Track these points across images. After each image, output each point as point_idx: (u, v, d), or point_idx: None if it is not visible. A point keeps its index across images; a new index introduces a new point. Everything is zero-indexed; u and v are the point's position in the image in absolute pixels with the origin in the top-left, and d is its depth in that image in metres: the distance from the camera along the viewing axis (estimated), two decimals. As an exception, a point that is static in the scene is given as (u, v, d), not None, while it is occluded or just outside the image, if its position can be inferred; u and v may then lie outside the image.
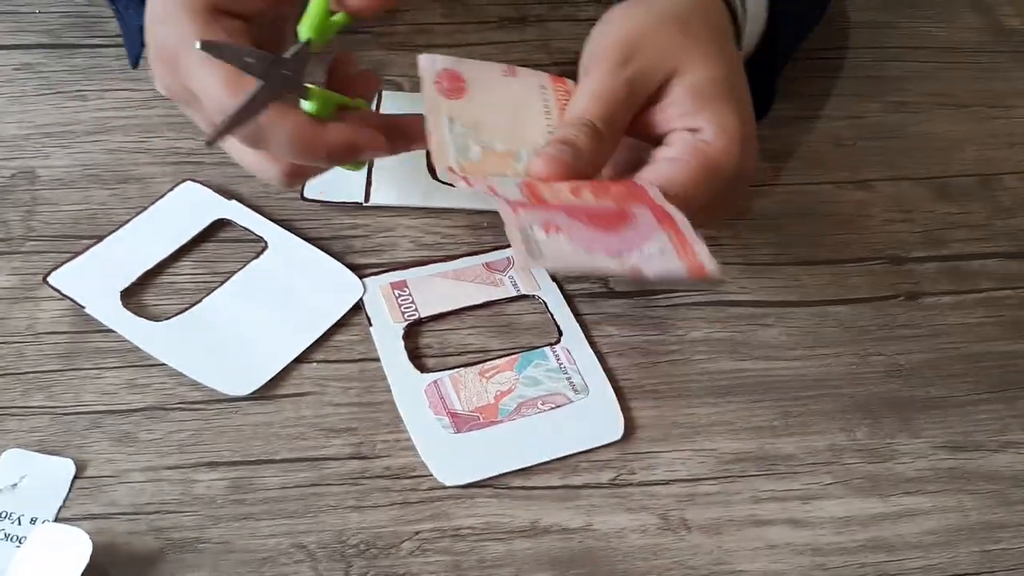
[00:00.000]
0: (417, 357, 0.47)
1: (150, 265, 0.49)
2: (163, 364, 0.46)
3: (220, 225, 0.51)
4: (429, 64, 0.43)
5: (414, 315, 0.48)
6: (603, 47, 0.43)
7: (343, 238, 0.51)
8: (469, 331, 0.48)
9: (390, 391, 0.45)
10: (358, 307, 0.48)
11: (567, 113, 0.42)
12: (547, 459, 0.43)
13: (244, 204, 0.52)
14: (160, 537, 0.40)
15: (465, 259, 0.51)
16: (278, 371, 0.46)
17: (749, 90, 0.45)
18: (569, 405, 0.45)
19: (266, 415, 0.44)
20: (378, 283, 0.49)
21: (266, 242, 0.50)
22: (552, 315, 0.49)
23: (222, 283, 0.49)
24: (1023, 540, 0.43)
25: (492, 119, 0.43)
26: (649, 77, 0.42)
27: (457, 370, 0.46)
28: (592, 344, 0.48)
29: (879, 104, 0.61)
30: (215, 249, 0.51)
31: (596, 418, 0.45)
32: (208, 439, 0.44)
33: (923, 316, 0.51)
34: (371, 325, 0.48)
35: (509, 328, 0.49)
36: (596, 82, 0.42)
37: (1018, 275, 0.53)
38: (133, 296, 0.48)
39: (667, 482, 0.44)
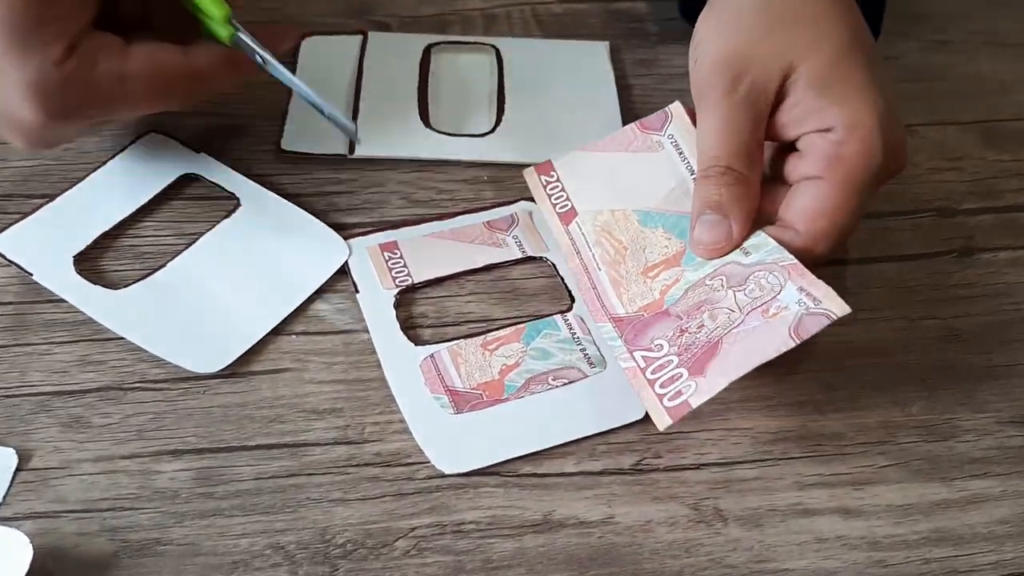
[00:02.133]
0: (411, 328, 0.41)
1: (108, 226, 0.43)
2: (121, 338, 0.40)
3: (187, 181, 0.46)
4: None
5: (406, 280, 0.42)
6: (706, 74, 0.40)
7: (326, 195, 0.46)
8: (469, 298, 0.43)
9: (380, 366, 0.40)
10: (343, 272, 0.43)
11: (698, 160, 0.40)
12: (560, 442, 0.38)
13: (214, 157, 0.46)
14: (114, 539, 0.35)
15: (463, 217, 0.45)
16: (252, 345, 0.40)
17: (872, 39, 0.42)
18: (584, 380, 0.39)
19: (238, 395, 0.39)
20: (365, 244, 0.44)
21: (239, 200, 0.45)
22: (562, 279, 0.43)
23: (189, 246, 0.43)
24: (1109, 529, 0.37)
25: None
26: (765, 87, 0.40)
27: (456, 342, 0.40)
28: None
29: (919, 43, 0.55)
30: (182, 207, 0.45)
31: (615, 395, 0.39)
32: (172, 424, 0.38)
33: (978, 274, 0.46)
34: (357, 292, 0.42)
35: (514, 294, 0.43)
36: (713, 117, 0.40)
37: (1084, 229, 0.48)
38: (88, 261, 0.42)
39: (698, 467, 0.38)
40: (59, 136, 0.42)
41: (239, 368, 0.40)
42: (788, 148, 0.41)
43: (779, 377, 0.41)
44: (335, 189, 0.46)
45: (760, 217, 0.40)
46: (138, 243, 0.44)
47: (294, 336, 0.41)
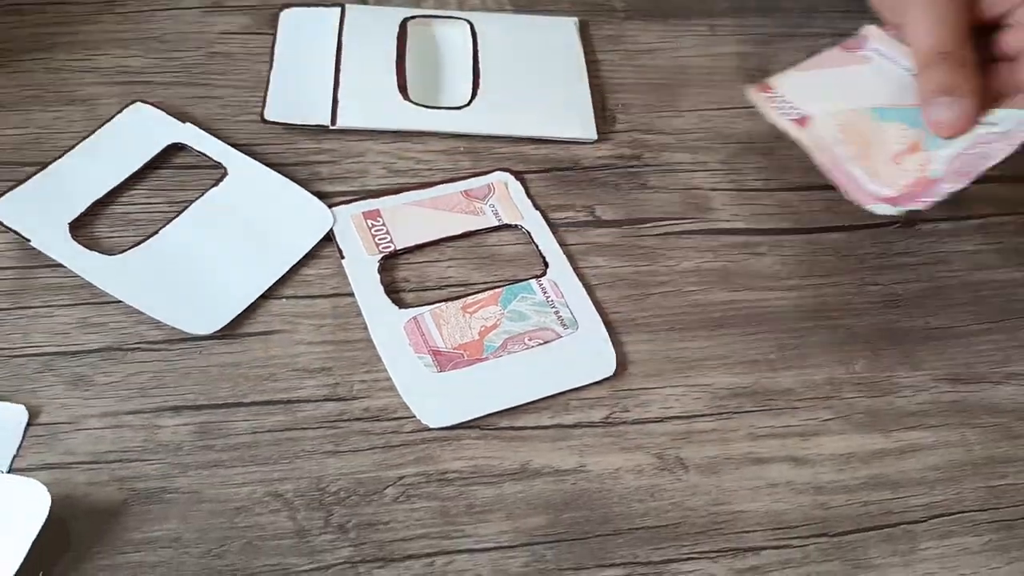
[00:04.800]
0: (394, 292, 0.44)
1: (100, 194, 0.45)
2: (119, 302, 0.42)
3: (174, 150, 0.47)
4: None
5: (389, 247, 0.45)
6: None
7: (308, 164, 0.48)
8: (449, 263, 0.45)
9: (366, 328, 0.43)
10: (328, 239, 0.45)
11: (915, 55, 0.42)
12: (536, 398, 0.41)
13: (200, 127, 0.48)
14: (123, 487, 0.38)
15: (442, 186, 0.48)
16: (244, 308, 0.43)
17: None
18: (558, 340, 0.43)
19: (233, 355, 0.41)
20: (349, 212, 0.46)
21: (225, 168, 0.47)
22: (537, 245, 0.46)
23: (179, 213, 0.45)
24: (1028, 474, 0.41)
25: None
26: None
27: (438, 305, 0.43)
28: (580, 276, 0.45)
29: (870, 20, 0.58)
30: (170, 176, 0.47)
31: (586, 354, 0.42)
32: (171, 381, 0.40)
33: (920, 243, 0.49)
34: (343, 258, 0.44)
35: (491, 260, 0.46)
36: (920, 9, 0.41)
37: (1018, 200, 0.51)
38: (83, 228, 0.44)
39: (662, 419, 0.42)
40: None
41: (233, 330, 0.42)
42: (995, 29, 0.43)
43: (736, 337, 0.44)
44: (317, 159, 0.48)
45: (988, 95, 0.42)
46: (130, 211, 0.46)
47: (284, 300, 0.43)
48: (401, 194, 0.47)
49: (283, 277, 0.44)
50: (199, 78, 0.50)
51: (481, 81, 0.51)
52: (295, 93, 0.50)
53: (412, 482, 0.39)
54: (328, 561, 0.37)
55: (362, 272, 0.44)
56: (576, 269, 0.45)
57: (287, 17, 0.53)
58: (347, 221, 0.46)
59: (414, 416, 0.40)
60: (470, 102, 0.50)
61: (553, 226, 0.47)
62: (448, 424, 0.40)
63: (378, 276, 0.44)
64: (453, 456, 0.40)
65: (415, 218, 0.46)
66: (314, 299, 0.44)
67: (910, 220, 0.50)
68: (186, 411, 0.40)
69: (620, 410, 0.42)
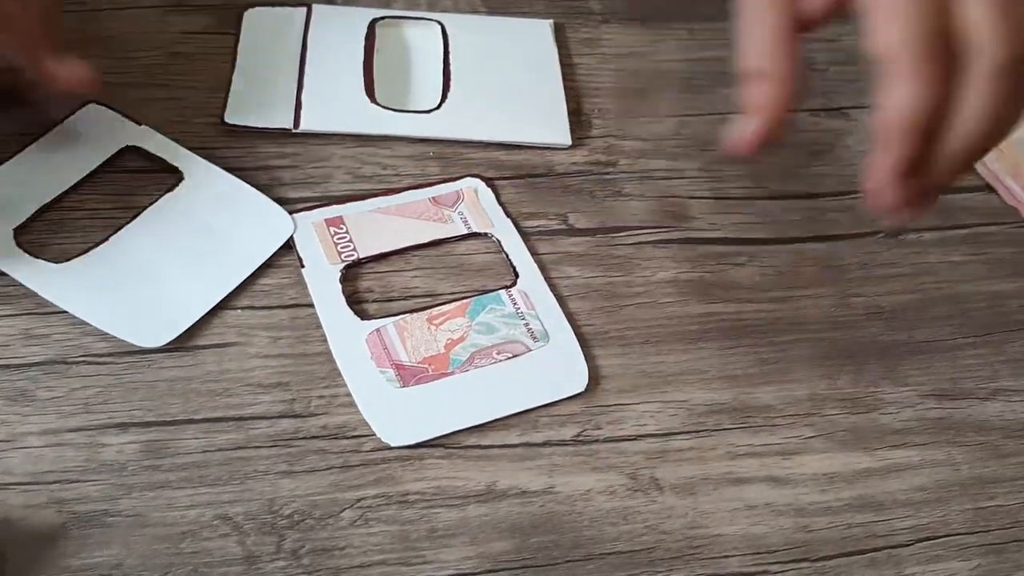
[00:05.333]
0: (356, 303, 0.42)
1: (48, 199, 0.43)
2: (64, 312, 0.40)
3: (129, 153, 0.45)
4: None
5: (352, 255, 0.43)
6: None
7: (269, 169, 0.46)
8: (414, 273, 0.43)
9: (326, 341, 0.40)
10: (287, 247, 0.43)
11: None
12: (504, 414, 0.39)
13: (157, 130, 0.46)
14: (63, 510, 0.35)
15: (408, 192, 0.46)
16: (197, 319, 0.40)
17: None
18: (527, 354, 0.41)
19: (184, 369, 0.39)
20: (311, 219, 0.44)
21: (182, 173, 0.45)
22: (507, 254, 0.44)
23: (131, 219, 0.43)
24: (1018, 496, 0.40)
25: None
26: None
27: (402, 316, 0.41)
28: (552, 287, 0.43)
29: (854, 27, 0.57)
30: (124, 180, 0.45)
31: (557, 368, 0.40)
32: (118, 397, 0.38)
33: (904, 254, 0.48)
34: (303, 267, 0.42)
35: (459, 270, 0.44)
36: None
37: (1003, 210, 0.50)
38: (28, 234, 0.42)
39: (636, 438, 0.40)
40: None
41: (184, 342, 0.40)
42: None
43: (714, 352, 0.42)
44: (279, 163, 0.46)
45: None
46: (80, 216, 0.43)
47: (239, 310, 0.41)
48: (366, 200, 0.45)
49: (239, 287, 0.42)
50: (159, 79, 0.48)
51: (452, 84, 0.49)
52: (257, 95, 0.48)
53: (371, 504, 0.37)
54: (279, 589, 0.34)
55: (323, 281, 0.42)
56: (548, 279, 0.43)
57: (251, 17, 0.51)
58: (308, 228, 0.44)
59: (374, 434, 0.38)
60: (439, 105, 0.49)
61: (524, 235, 0.45)
62: (410, 443, 0.38)
63: (340, 286, 0.42)
64: (415, 477, 0.37)
65: (380, 226, 0.44)
66: (271, 310, 0.41)
67: (895, 230, 0.48)
68: (132, 428, 0.37)
69: (592, 427, 0.40)
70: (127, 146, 0.45)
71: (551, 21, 0.54)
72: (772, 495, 0.39)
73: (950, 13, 0.33)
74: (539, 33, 0.53)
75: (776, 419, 0.41)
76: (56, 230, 0.43)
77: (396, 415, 0.38)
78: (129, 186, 0.44)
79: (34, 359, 0.39)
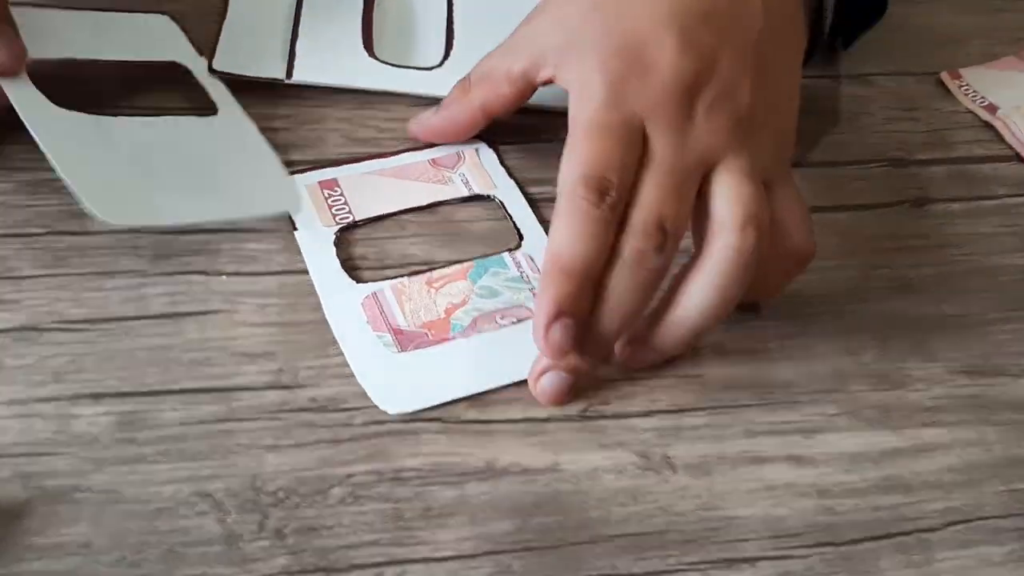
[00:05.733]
0: (352, 269, 0.39)
1: (77, 56, 0.42)
2: (37, 276, 0.37)
3: (176, 70, 0.45)
4: None
5: (347, 218, 0.40)
6: None
7: (261, 129, 0.43)
8: (412, 239, 0.41)
9: (316, 309, 0.38)
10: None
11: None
12: (507, 382, 0.36)
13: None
14: (29, 485, 0.33)
15: (407, 154, 0.43)
16: (164, 224, 0.39)
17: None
18: (532, 319, 0.38)
19: (164, 337, 0.37)
20: (304, 182, 0.42)
21: (217, 109, 0.43)
22: (511, 216, 0.41)
23: (149, 116, 0.42)
24: (1056, 478, 0.37)
25: None
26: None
27: (400, 280, 0.39)
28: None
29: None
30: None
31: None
32: (92, 365, 0.36)
33: (931, 225, 0.45)
34: (295, 229, 0.40)
35: (459, 236, 0.41)
36: None
37: (1035, 180, 0.47)
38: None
39: (647, 413, 0.37)
40: None
41: (167, 310, 0.37)
42: None
43: (730, 324, 0.39)
44: (271, 125, 0.44)
45: None
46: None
47: (224, 276, 0.39)
48: (363, 162, 0.43)
49: (225, 251, 0.39)
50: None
51: (455, 40, 0.47)
52: (248, 44, 0.45)
53: (362, 481, 0.34)
54: (261, 571, 0.32)
55: (316, 244, 0.40)
56: (553, 245, 0.41)
57: None
58: (302, 190, 0.41)
59: (366, 407, 0.36)
60: (442, 62, 0.46)
61: (531, 201, 0.42)
62: (408, 410, 0.35)
63: (334, 249, 0.39)
64: (410, 452, 0.35)
65: (377, 188, 0.42)
66: (259, 276, 0.39)
67: (920, 200, 0.46)
68: (107, 399, 0.35)
69: (599, 402, 0.37)
70: (176, 62, 0.44)
71: None
72: (793, 475, 0.36)
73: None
74: None
75: (798, 395, 0.38)
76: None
77: (394, 382, 0.36)
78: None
79: (3, 325, 0.36)
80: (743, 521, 0.35)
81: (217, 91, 0.43)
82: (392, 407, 0.35)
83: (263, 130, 0.43)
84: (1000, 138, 0.49)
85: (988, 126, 0.49)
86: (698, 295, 0.35)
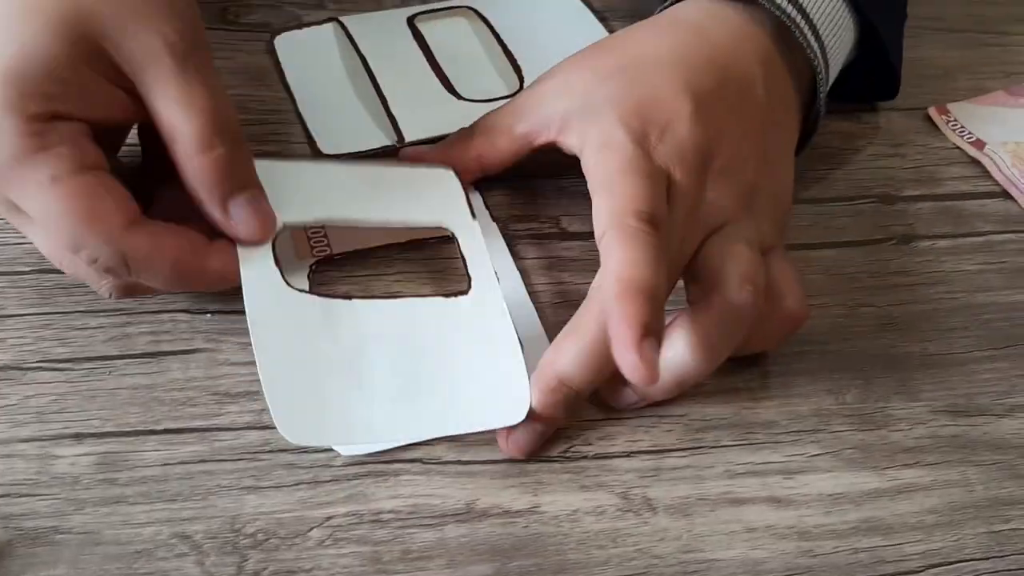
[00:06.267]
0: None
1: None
2: (21, 314, 0.38)
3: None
4: None
5: (324, 251, 0.40)
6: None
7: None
8: (396, 276, 0.41)
9: (300, 348, 0.38)
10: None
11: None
12: (481, 429, 0.36)
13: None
14: (9, 526, 0.33)
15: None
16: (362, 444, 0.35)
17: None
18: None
19: (147, 376, 0.37)
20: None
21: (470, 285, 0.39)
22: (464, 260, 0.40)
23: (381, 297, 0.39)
24: (1038, 520, 0.37)
25: None
26: None
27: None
28: (537, 293, 0.41)
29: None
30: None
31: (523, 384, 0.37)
32: (74, 405, 0.36)
33: (917, 262, 0.45)
34: None
35: (447, 273, 0.41)
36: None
37: (1020, 217, 0.47)
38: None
39: (628, 454, 0.37)
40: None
41: (148, 348, 0.38)
42: None
43: (713, 363, 0.40)
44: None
45: None
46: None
47: (208, 315, 0.39)
48: None
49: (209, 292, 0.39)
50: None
51: (520, 63, 0.48)
52: (340, 120, 0.45)
53: (341, 523, 0.34)
54: (238, 614, 0.32)
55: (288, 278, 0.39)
56: (529, 285, 0.41)
57: (283, 44, 0.49)
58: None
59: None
60: (521, 87, 0.47)
61: (510, 238, 0.43)
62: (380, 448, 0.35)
63: (307, 283, 0.39)
64: (389, 494, 0.35)
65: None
66: (243, 315, 0.39)
67: (906, 236, 0.46)
68: (88, 439, 0.35)
69: (581, 443, 0.37)
70: (442, 229, 0.40)
71: None
72: (773, 517, 0.36)
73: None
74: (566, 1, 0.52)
75: (779, 435, 0.38)
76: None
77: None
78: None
79: (-12, 364, 0.37)
80: (723, 564, 0.35)
81: (477, 264, 0.38)
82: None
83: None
84: (987, 174, 0.49)
85: (975, 162, 0.49)
86: (689, 345, 0.35)
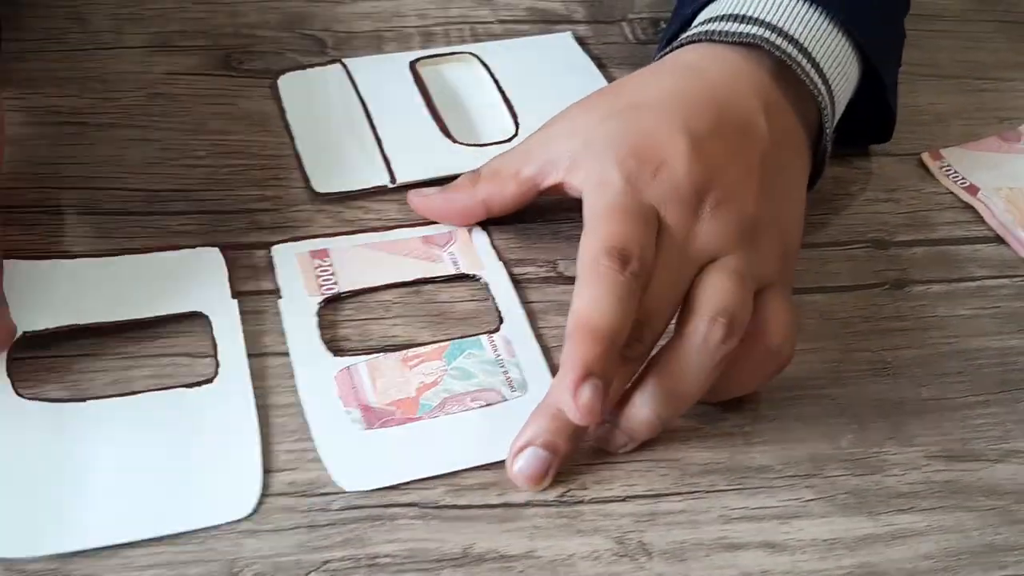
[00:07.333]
0: (331, 343, 0.40)
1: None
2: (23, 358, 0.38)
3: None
4: None
5: (332, 288, 0.41)
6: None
7: (248, 212, 0.44)
8: (395, 320, 0.41)
9: (296, 392, 0.38)
10: (269, 281, 0.41)
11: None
12: (469, 466, 0.37)
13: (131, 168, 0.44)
14: (11, 569, 0.33)
15: (400, 231, 0.44)
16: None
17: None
18: (503, 404, 0.38)
19: (148, 419, 0.37)
20: (295, 250, 0.42)
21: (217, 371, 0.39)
22: (494, 299, 0.42)
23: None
24: (1033, 566, 0.37)
25: None
26: None
27: (376, 356, 0.39)
28: (539, 337, 0.41)
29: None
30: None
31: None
32: (75, 448, 0.36)
33: (911, 307, 0.45)
34: (280, 297, 0.41)
35: (442, 317, 0.42)
36: None
37: (1014, 262, 0.48)
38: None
39: (624, 499, 0.37)
40: None
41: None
42: None
43: (708, 408, 0.40)
44: (258, 207, 0.45)
45: None
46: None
47: (209, 358, 0.39)
48: (356, 235, 0.44)
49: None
50: (137, 120, 0.47)
51: (517, 109, 0.49)
52: (336, 159, 0.46)
53: (338, 567, 0.34)
54: (235, 659, 0.32)
55: (298, 313, 0.40)
56: (535, 328, 0.41)
57: (286, 84, 0.50)
58: (290, 259, 0.42)
59: (344, 492, 0.36)
60: (516, 133, 0.48)
61: (515, 281, 0.43)
62: (368, 488, 0.36)
63: (316, 319, 0.40)
64: (386, 538, 0.35)
65: (366, 261, 0.43)
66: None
67: (899, 282, 0.46)
68: (88, 482, 0.35)
69: (577, 487, 0.37)
70: (199, 313, 0.40)
71: (570, 32, 0.54)
72: (768, 562, 0.36)
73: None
74: (566, 45, 0.53)
75: (774, 480, 0.38)
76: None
77: (354, 459, 0.36)
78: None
79: (-9, 407, 0.37)
80: (717, 610, 0.35)
81: (229, 349, 0.38)
82: (351, 484, 0.35)
83: (251, 212, 0.44)
84: (980, 219, 0.50)
85: (969, 207, 0.50)
86: (661, 380, 0.36)
